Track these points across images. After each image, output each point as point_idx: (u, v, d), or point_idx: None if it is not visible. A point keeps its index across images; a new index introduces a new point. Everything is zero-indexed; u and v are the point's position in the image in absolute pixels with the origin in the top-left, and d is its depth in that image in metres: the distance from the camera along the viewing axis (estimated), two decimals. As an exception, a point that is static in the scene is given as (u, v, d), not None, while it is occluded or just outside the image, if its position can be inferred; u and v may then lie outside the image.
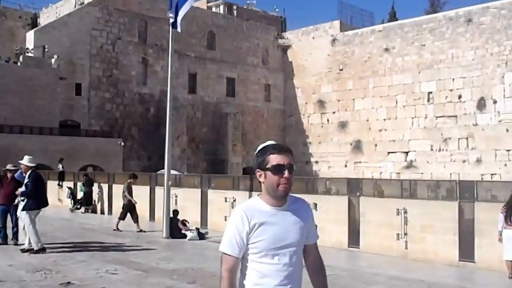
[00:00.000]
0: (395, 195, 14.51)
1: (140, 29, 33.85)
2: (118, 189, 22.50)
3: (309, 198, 16.47)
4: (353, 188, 15.24)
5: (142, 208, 19.60)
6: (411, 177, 34.10)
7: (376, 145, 36.86)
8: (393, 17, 46.53)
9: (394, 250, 14.32)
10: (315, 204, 16.09)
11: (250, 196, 18.20)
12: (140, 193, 20.95)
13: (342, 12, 40.76)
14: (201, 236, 16.21)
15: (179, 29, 15.21)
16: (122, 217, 16.89)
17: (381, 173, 36.18)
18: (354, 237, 15.12)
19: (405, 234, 14.06)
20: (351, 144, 37.94)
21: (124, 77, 32.64)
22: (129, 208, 16.96)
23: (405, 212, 14.06)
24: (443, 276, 12.35)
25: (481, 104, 32.55)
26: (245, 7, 44.13)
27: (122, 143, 30.39)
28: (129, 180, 17.40)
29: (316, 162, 39.86)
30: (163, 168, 18.45)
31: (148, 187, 21.20)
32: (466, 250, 13.27)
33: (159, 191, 19.04)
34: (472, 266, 13.18)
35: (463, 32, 33.37)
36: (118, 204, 22.36)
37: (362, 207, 14.93)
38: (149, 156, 32.55)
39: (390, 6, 53.71)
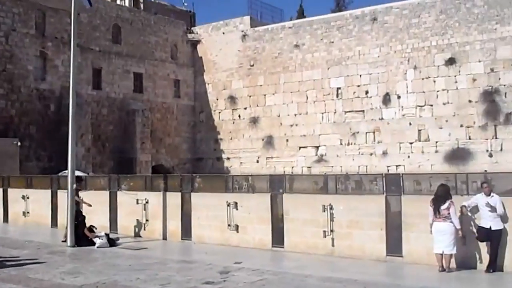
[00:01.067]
0: (320, 190, 13.75)
1: (37, 20, 30.94)
2: (14, 194, 20.18)
3: (229, 197, 15.36)
4: (276, 184, 14.31)
5: (42, 214, 17.59)
6: (322, 171, 34.17)
7: (287, 140, 36.49)
8: (301, 15, 46.51)
9: (320, 248, 13.49)
10: (236, 203, 14.98)
11: (164, 198, 16.75)
12: (41, 198, 18.87)
13: (252, 8, 40.00)
14: (112, 242, 14.58)
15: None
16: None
17: (292, 167, 35.89)
18: (278, 236, 14.16)
19: (332, 231, 13.28)
20: (262, 139, 37.30)
21: (20, 72, 29.68)
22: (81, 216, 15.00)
23: (331, 208, 13.29)
24: (374, 274, 11.66)
25: (386, 99, 33.05)
26: (152, 0, 42.10)
27: (19, 143, 27.61)
28: (74, 185, 15.27)
29: (228, 158, 38.84)
30: (65, 169, 16.55)
31: (49, 191, 19.04)
32: (394, 244, 12.68)
33: (62, 195, 17.10)
34: (400, 261, 12.62)
35: (369, 30, 33.73)
36: (14, 210, 20.01)
37: (286, 204, 14.00)
38: (50, 157, 29.87)
39: (299, 3, 53.66)
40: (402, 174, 12.94)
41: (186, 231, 16.10)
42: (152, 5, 40.97)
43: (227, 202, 14.88)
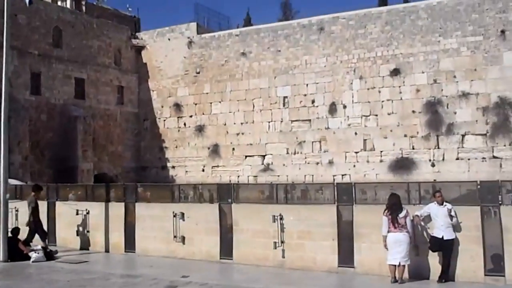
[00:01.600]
0: (270, 200, 13.32)
1: (-31, 20, 29.18)
2: None
3: (176, 207, 14.69)
4: (225, 194, 13.76)
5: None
6: (268, 180, 33.86)
7: (233, 149, 36.02)
8: (248, 23, 46.24)
9: (270, 260, 13.02)
10: (182, 214, 14.32)
11: (107, 208, 15.86)
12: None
13: (199, 15, 39.36)
14: (49, 256, 13.58)
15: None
16: (30, 239, 13.72)
17: (238, 176, 35.42)
18: (226, 248, 13.60)
19: (282, 242, 12.85)
20: (208, 148, 36.66)
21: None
22: (35, 227, 13.82)
23: (282, 219, 12.87)
24: (326, 286, 11.32)
25: (332, 109, 33.16)
26: (95, 3, 40.73)
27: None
28: (32, 194, 14.07)
29: (173, 167, 37.93)
30: (-1, 177, 15.36)
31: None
32: (345, 255, 12.39)
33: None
34: (352, 272, 12.33)
35: (316, 40, 33.81)
36: None
37: (235, 214, 13.48)
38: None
39: (246, 12, 53.49)
40: (354, 183, 12.68)
41: (129, 243, 15.28)
42: (94, 8, 39.64)
43: (173, 212, 14.22)
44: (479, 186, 11.06)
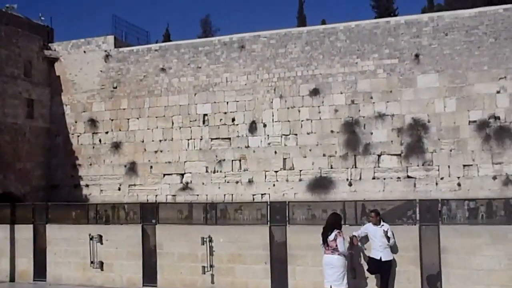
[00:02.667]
0: (198, 220, 12.27)
1: None
2: None
3: (92, 229, 13.23)
4: (148, 214, 12.55)
5: None
6: (187, 199, 32.66)
7: (151, 167, 34.48)
8: (167, 39, 44.96)
9: (198, 286, 11.95)
10: (100, 236, 12.92)
11: (13, 231, 14.02)
12: None
13: (117, 28, 37.60)
14: None
15: None
16: None
17: (156, 195, 33.91)
18: (150, 273, 12.35)
19: (211, 266, 11.84)
20: (125, 166, 34.85)
21: None
22: None
23: (211, 241, 11.87)
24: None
25: (252, 127, 32.71)
26: (3, 10, 37.77)
27: None
28: None
29: (87, 185, 35.65)
30: None
31: None
32: (279, 279, 11.59)
33: None
34: (285, 297, 11.55)
35: (237, 58, 33.31)
36: None
37: (159, 236, 12.28)
38: None
39: (165, 27, 52.12)
40: (288, 202, 11.95)
41: (39, 271, 13.63)
42: (3, 15, 36.76)
43: (90, 234, 12.82)
44: (417, 205, 10.69)
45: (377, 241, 10.42)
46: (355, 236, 10.72)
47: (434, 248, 10.21)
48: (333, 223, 10.42)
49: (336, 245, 10.35)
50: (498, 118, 27.52)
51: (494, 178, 27.32)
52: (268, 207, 11.90)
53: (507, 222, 10.67)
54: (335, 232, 10.43)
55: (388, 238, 10.42)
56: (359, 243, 10.76)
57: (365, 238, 10.72)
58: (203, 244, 11.68)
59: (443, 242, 10.18)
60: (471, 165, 28.03)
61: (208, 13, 62.29)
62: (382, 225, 10.52)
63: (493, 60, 27.88)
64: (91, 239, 12.68)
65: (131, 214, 12.97)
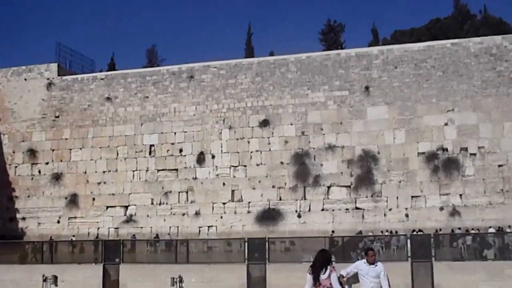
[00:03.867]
0: (167, 259, 10.98)
1: None
2: None
3: (46, 270, 11.63)
4: (111, 252, 11.14)
5: None
6: (130, 232, 30.89)
7: (94, 199, 32.50)
8: (112, 68, 43.25)
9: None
10: (55, 277, 11.35)
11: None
12: None
13: (61, 55, 35.59)
14: None
15: None
16: None
17: (98, 228, 31.97)
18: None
19: (181, 309, 10.57)
20: (66, 198, 32.64)
21: None
22: None
23: (181, 281, 10.62)
24: None
25: (200, 159, 31.58)
26: None
27: None
28: None
29: (23, 218, 33.02)
30: None
31: None
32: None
33: None
34: None
35: (185, 88, 32.31)
36: None
37: (123, 277, 10.90)
38: None
39: (110, 56, 50.23)
40: (268, 238, 10.92)
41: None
42: None
43: (43, 276, 11.19)
44: (409, 240, 9.94)
45: (368, 281, 9.49)
46: (342, 276, 9.75)
47: (427, 286, 9.48)
48: (323, 260, 9.36)
49: (331, 283, 9.30)
50: (446, 149, 27.71)
51: (441, 209, 27.35)
52: (246, 243, 10.81)
53: (502, 258, 10.13)
54: (329, 268, 9.37)
55: (382, 279, 9.42)
56: (346, 286, 9.80)
57: (354, 278, 9.78)
58: (173, 285, 10.42)
59: (436, 280, 9.47)
60: (419, 196, 27.95)
61: (154, 43, 60.89)
62: (377, 264, 9.60)
63: (441, 93, 28.25)
64: (44, 280, 11.09)
65: (91, 251, 11.48)
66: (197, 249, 11.78)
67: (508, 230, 24.97)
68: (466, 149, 27.71)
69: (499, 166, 27.26)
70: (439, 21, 43.23)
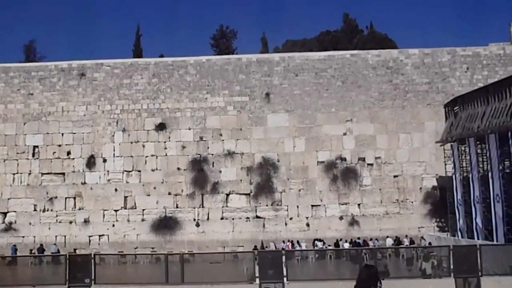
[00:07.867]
0: (156, 278, 7.53)
1: None
2: None
3: None
4: (79, 270, 7.51)
5: None
6: (10, 242, 26.53)
7: (-35, 206, 27.36)
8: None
9: None
10: None
11: None
12: None
13: None
14: None
15: None
16: None
17: (-29, 239, 26.89)
18: None
19: None
20: None
21: None
22: None
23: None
24: None
25: (90, 162, 27.94)
26: None
27: None
28: None
29: None
30: None
31: None
32: None
33: None
34: None
35: (75, 86, 28.39)
36: None
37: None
38: None
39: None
40: (284, 249, 7.90)
41: None
42: None
43: None
44: (451, 252, 7.32)
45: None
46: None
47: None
48: (368, 280, 6.50)
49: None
50: (345, 159, 26.52)
51: (341, 218, 26.11)
52: (256, 258, 7.61)
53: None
54: (378, 288, 6.59)
55: None
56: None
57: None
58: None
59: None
60: (319, 205, 26.57)
61: (33, 39, 53.89)
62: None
63: (340, 103, 27.01)
64: None
65: (56, 269, 7.74)
66: (193, 264, 8.41)
67: (405, 239, 24.22)
68: (363, 159, 26.75)
69: (395, 176, 26.59)
70: (329, 34, 42.39)
